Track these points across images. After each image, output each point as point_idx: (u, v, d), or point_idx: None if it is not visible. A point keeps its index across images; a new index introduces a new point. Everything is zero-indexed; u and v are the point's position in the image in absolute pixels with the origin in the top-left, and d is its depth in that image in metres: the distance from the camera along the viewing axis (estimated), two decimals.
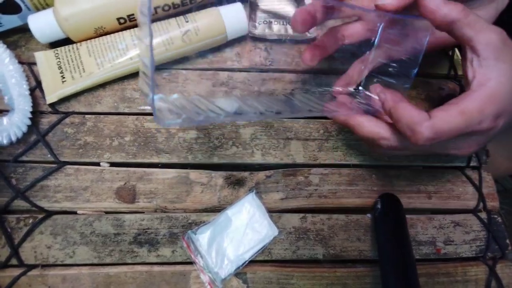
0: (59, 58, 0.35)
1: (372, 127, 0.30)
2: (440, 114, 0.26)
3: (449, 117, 0.26)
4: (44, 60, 0.35)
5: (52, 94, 0.35)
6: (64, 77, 0.35)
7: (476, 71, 0.27)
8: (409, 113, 0.27)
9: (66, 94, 0.36)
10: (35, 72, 0.37)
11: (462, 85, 0.42)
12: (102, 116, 0.37)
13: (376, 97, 0.31)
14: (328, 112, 0.33)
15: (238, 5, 0.38)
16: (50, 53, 0.36)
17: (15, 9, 0.35)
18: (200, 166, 0.37)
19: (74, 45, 0.36)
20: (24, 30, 0.38)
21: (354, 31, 0.35)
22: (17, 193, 0.34)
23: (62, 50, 0.36)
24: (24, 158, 0.35)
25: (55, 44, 0.36)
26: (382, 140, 0.29)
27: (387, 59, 0.34)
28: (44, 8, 0.37)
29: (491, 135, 0.28)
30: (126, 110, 0.37)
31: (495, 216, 0.38)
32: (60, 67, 0.35)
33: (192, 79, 0.39)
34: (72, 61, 0.35)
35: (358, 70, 0.36)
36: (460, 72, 0.42)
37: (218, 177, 0.36)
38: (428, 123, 0.26)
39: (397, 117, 0.27)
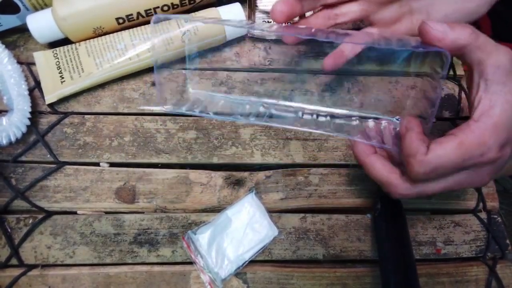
0: (57, 58, 0.35)
1: (382, 171, 0.28)
2: (436, 148, 0.25)
3: (444, 150, 0.25)
4: (43, 60, 0.35)
5: (51, 94, 0.35)
6: (63, 77, 0.35)
7: (482, 96, 0.25)
8: (411, 143, 0.26)
9: (65, 94, 0.36)
10: (34, 72, 0.37)
11: (461, 85, 0.41)
12: (101, 116, 0.37)
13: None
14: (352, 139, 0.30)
15: (237, 5, 0.38)
16: (49, 53, 0.36)
17: (14, 9, 0.35)
18: (200, 166, 0.37)
19: (73, 45, 0.36)
20: (23, 30, 0.38)
21: (349, 10, 0.33)
22: (16, 193, 0.34)
23: (61, 50, 0.36)
24: (23, 158, 0.35)
25: (54, 44, 0.36)
26: (390, 186, 0.28)
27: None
28: (42, 8, 0.36)
29: (499, 165, 0.26)
30: (126, 110, 0.37)
31: (495, 216, 0.38)
32: (59, 67, 0.35)
33: (191, 79, 0.39)
34: (71, 61, 0.35)
35: (351, 45, 0.34)
36: (459, 72, 0.42)
37: (218, 177, 0.36)
38: (422, 158, 0.25)
39: (402, 145, 0.27)
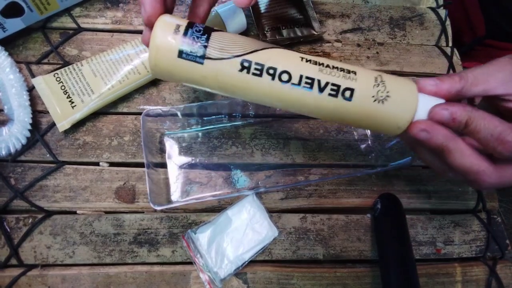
0: (61, 81, 0.35)
1: (472, 158, 0.25)
2: None
3: None
4: (45, 85, 0.34)
5: (63, 121, 0.34)
6: (73, 102, 0.34)
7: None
8: (491, 121, 0.25)
9: (78, 119, 0.35)
10: (33, 71, 0.37)
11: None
12: (101, 115, 0.37)
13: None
14: (419, 130, 0.26)
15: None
16: (50, 77, 0.35)
17: (18, 11, 0.35)
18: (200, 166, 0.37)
19: (75, 65, 0.35)
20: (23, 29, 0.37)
21: None
22: (16, 193, 0.34)
23: (62, 72, 0.35)
24: (22, 158, 0.35)
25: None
26: (478, 175, 0.25)
27: None
28: (45, 8, 0.36)
29: None
30: (125, 110, 0.37)
31: (495, 216, 0.38)
32: (65, 92, 0.34)
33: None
34: (77, 83, 0.35)
35: None
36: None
37: (218, 177, 0.36)
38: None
39: (476, 128, 0.25)
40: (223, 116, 0.37)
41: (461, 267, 0.36)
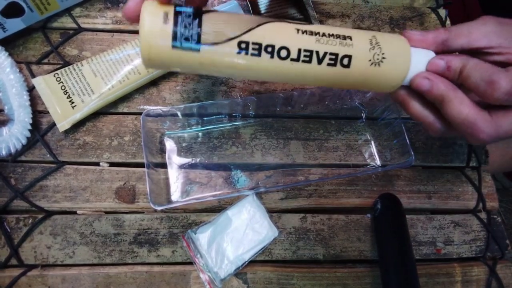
0: (62, 82, 0.35)
1: (471, 108, 0.25)
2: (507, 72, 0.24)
3: None
4: (45, 85, 0.35)
5: (63, 121, 0.34)
6: (73, 102, 0.34)
7: (505, 53, 0.26)
8: (483, 66, 0.25)
9: (78, 119, 0.35)
10: (33, 71, 0.37)
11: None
12: (101, 115, 0.37)
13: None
14: (422, 79, 0.26)
15: (234, 4, 0.38)
16: (50, 77, 0.35)
17: (18, 12, 0.35)
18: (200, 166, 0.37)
19: (75, 65, 0.36)
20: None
21: None
22: (16, 193, 0.34)
23: (63, 72, 0.35)
24: (23, 158, 0.35)
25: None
26: (474, 127, 0.25)
27: None
28: (45, 8, 0.36)
29: None
30: (125, 110, 0.37)
31: (495, 216, 0.38)
32: (65, 92, 0.34)
33: (192, 78, 0.39)
34: (77, 84, 0.35)
35: None
36: None
37: (218, 177, 0.36)
38: (507, 73, 0.24)
39: (468, 73, 0.25)
40: (223, 116, 0.37)
41: (461, 267, 0.36)
